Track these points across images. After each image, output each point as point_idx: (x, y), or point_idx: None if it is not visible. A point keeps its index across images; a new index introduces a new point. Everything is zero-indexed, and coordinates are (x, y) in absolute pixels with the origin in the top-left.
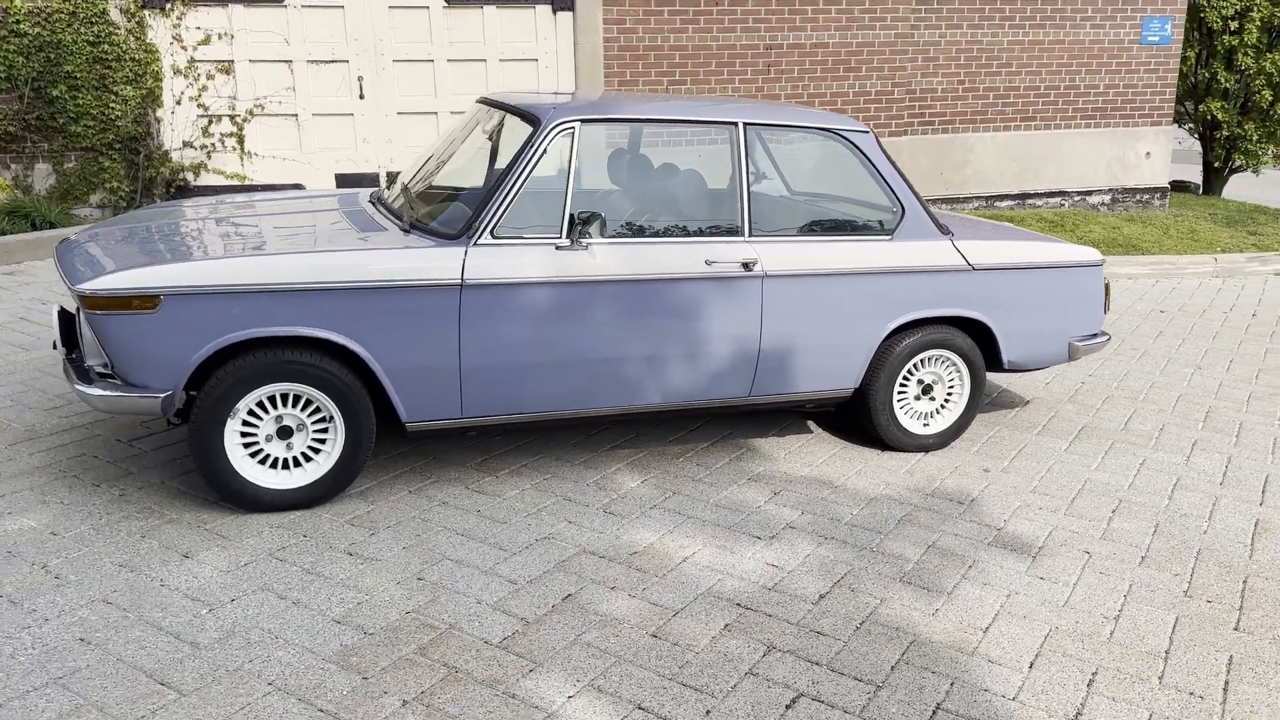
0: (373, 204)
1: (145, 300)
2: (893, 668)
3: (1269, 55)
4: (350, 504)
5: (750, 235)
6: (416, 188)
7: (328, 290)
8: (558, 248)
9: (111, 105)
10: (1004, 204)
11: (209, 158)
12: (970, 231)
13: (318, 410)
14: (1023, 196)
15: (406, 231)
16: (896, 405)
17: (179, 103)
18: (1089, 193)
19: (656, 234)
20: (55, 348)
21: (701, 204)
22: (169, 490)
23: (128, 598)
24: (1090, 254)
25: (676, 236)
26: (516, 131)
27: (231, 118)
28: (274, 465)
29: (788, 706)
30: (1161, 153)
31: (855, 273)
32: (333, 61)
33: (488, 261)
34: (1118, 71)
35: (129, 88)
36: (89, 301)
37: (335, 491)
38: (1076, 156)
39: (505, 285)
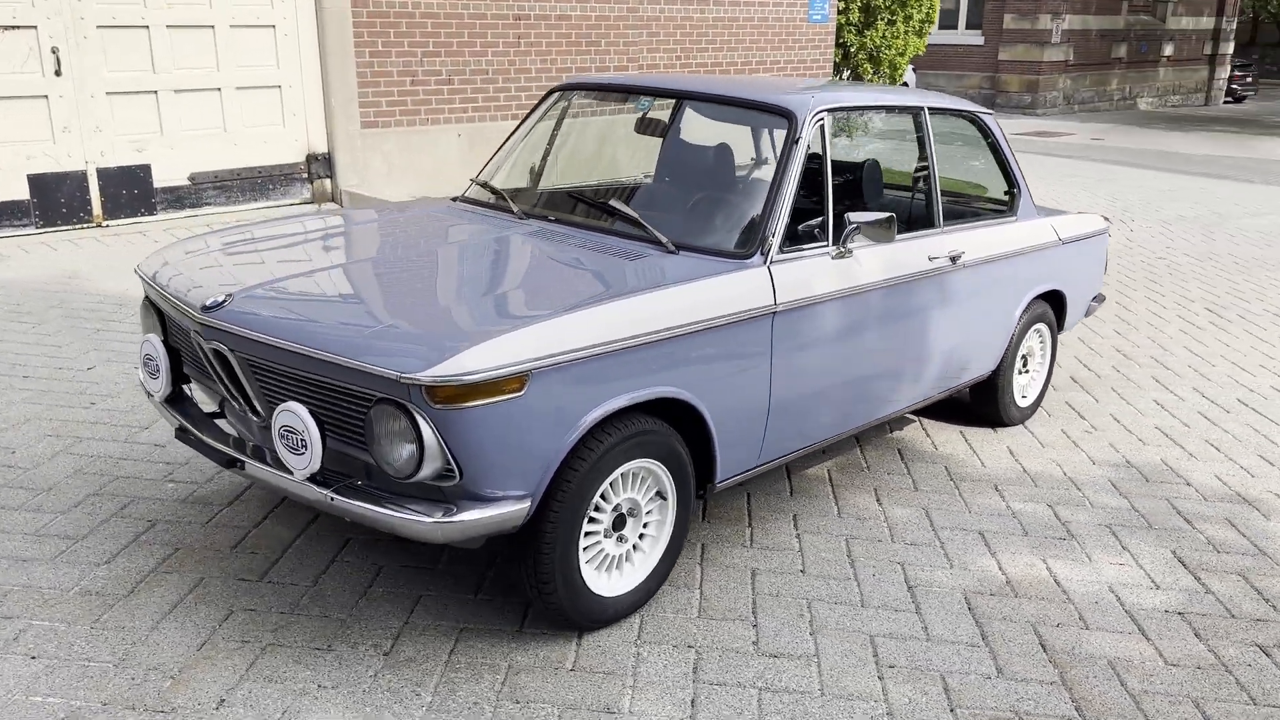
0: (521, 218)
1: (515, 380)
2: None
3: (867, 32)
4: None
5: (944, 225)
6: (584, 195)
7: (671, 338)
8: (832, 257)
9: None
10: None
11: None
12: None
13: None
14: None
15: (673, 252)
16: (1016, 381)
17: None
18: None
19: None
20: (233, 468)
21: (897, 194)
22: (434, 632)
23: None
24: (1102, 222)
25: (899, 233)
26: (732, 125)
27: None
28: (606, 568)
29: None
30: None
31: (1007, 255)
32: (14, 27)
33: (787, 279)
34: (793, 47)
35: None
36: (444, 393)
37: (659, 586)
38: None
39: (804, 305)
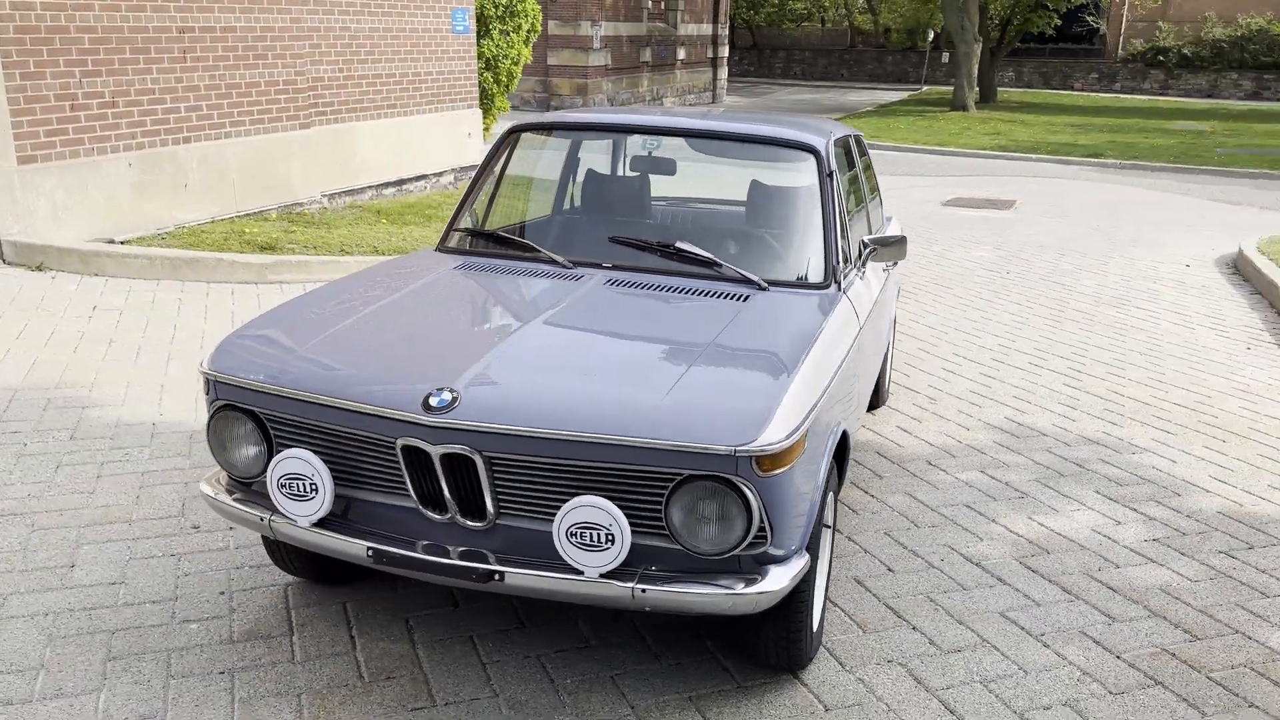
0: (570, 266)
1: (804, 436)
2: None
3: (483, 41)
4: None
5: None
6: (628, 239)
7: (838, 373)
8: (860, 277)
9: None
10: (389, 191)
11: None
12: None
13: None
14: (400, 182)
15: (766, 289)
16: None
17: None
18: (441, 174)
19: None
20: (489, 582)
21: None
22: (673, 709)
23: None
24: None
25: None
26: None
27: None
28: None
29: None
30: (478, 131)
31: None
32: None
33: (855, 302)
34: (442, 58)
35: None
36: (769, 460)
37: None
38: (427, 140)
39: (864, 323)
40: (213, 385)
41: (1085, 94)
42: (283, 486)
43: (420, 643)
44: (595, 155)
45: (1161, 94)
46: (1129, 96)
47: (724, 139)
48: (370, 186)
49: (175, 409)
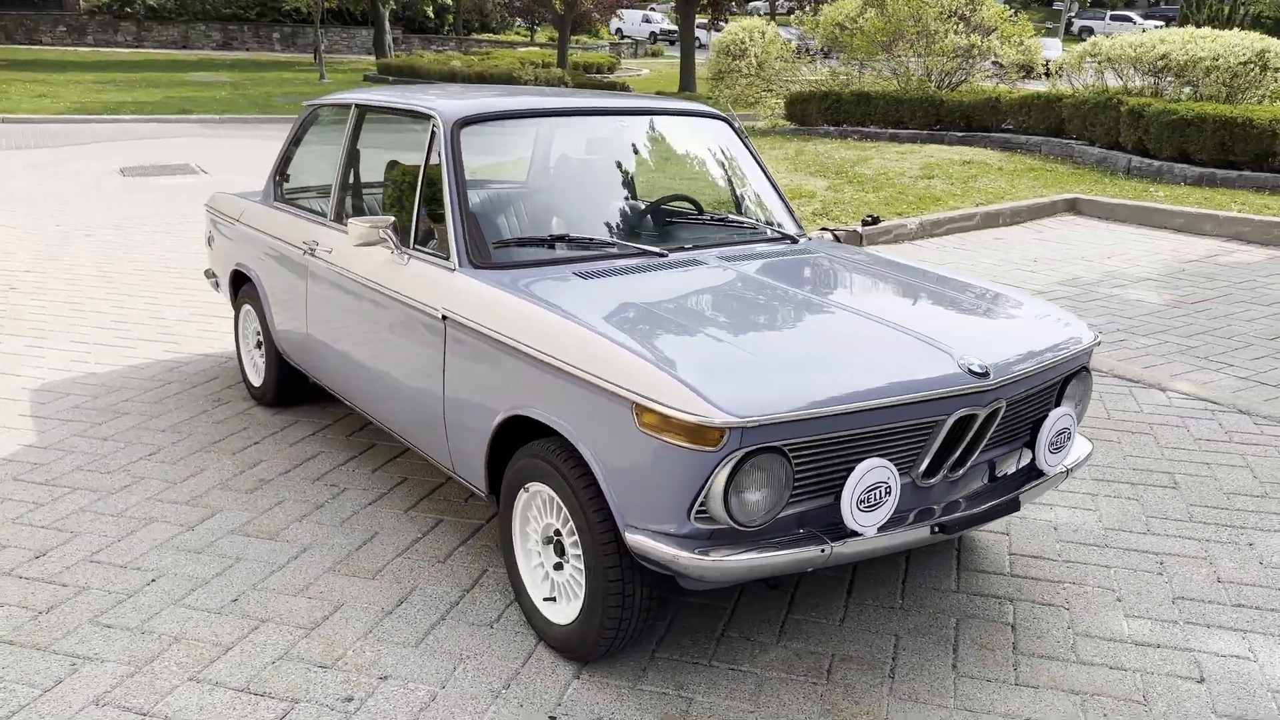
0: (663, 255)
1: None
2: None
3: None
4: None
5: None
6: (666, 216)
7: None
8: None
9: None
10: None
11: None
12: None
13: None
14: None
15: (796, 241)
16: None
17: None
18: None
19: None
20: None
21: None
22: (872, 609)
23: None
24: None
25: None
26: (683, 129)
27: None
28: None
29: None
30: None
31: None
32: None
33: None
34: None
35: None
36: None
37: None
38: None
39: None
40: (738, 434)
41: (60, 48)
42: (861, 502)
43: (779, 644)
44: (539, 142)
45: (138, 46)
46: (107, 50)
47: (651, 114)
48: None
49: None
